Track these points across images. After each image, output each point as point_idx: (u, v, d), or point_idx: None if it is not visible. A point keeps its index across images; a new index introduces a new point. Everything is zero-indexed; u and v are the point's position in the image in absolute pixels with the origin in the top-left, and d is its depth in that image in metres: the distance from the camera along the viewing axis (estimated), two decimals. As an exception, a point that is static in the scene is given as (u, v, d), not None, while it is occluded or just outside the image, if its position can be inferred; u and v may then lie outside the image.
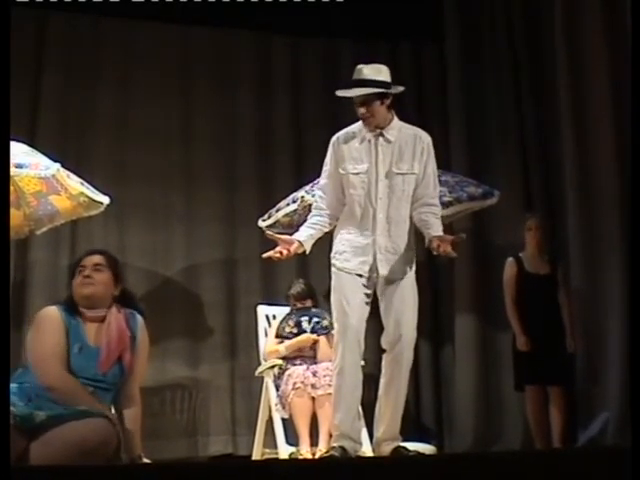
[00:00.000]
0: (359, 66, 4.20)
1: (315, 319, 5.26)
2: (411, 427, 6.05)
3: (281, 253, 4.10)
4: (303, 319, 5.29)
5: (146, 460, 3.50)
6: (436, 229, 4.10)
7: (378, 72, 4.16)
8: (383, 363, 4.15)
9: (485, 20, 6.46)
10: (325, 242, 4.39)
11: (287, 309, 5.46)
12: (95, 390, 3.39)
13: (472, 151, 6.28)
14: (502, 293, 5.44)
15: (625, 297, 4.79)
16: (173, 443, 6.04)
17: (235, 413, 6.29)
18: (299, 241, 4.14)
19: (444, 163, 6.05)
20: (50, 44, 6.39)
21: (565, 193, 5.29)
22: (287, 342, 5.25)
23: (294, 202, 5.42)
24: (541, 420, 5.29)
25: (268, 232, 4.23)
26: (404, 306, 4.11)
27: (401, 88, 4.23)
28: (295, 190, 5.57)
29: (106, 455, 3.14)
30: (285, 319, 5.36)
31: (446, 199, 5.34)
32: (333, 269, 4.19)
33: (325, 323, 5.19)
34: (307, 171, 5.80)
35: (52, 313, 3.48)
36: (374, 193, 4.12)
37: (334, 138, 4.28)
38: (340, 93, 4.22)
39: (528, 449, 5.38)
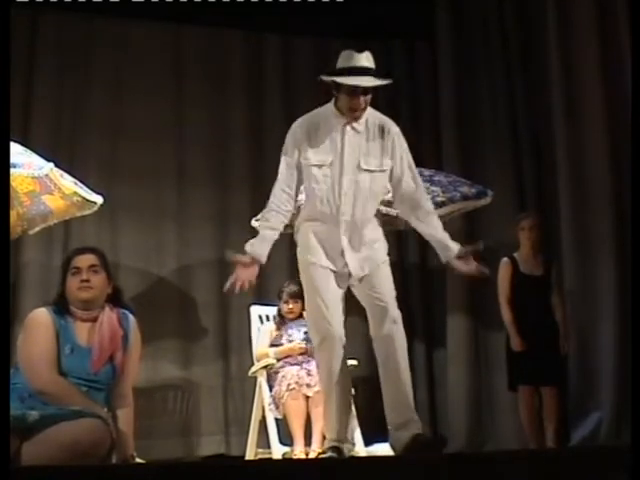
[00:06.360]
0: (352, 53, 3.83)
1: (304, 329, 5.20)
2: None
3: (242, 285, 3.79)
4: (294, 330, 5.29)
5: (139, 460, 3.51)
6: (452, 246, 3.95)
7: (372, 61, 3.84)
8: (375, 352, 3.90)
9: (477, 19, 6.47)
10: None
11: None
12: (89, 390, 3.38)
13: (465, 151, 6.29)
14: (495, 293, 5.43)
15: (618, 298, 4.80)
16: (166, 443, 6.04)
17: (227, 413, 6.30)
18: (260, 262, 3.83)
19: (437, 163, 6.08)
20: (42, 43, 6.39)
21: (559, 193, 5.30)
22: (276, 348, 5.26)
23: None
24: (534, 420, 5.28)
25: (229, 253, 3.91)
26: (384, 290, 3.87)
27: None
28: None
29: (99, 455, 3.13)
30: (278, 328, 5.37)
31: (439, 199, 5.34)
32: (307, 265, 3.90)
33: None
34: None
35: (41, 316, 3.46)
36: (337, 189, 3.84)
37: (296, 125, 3.95)
38: (351, 81, 3.76)
39: (521, 449, 5.38)
